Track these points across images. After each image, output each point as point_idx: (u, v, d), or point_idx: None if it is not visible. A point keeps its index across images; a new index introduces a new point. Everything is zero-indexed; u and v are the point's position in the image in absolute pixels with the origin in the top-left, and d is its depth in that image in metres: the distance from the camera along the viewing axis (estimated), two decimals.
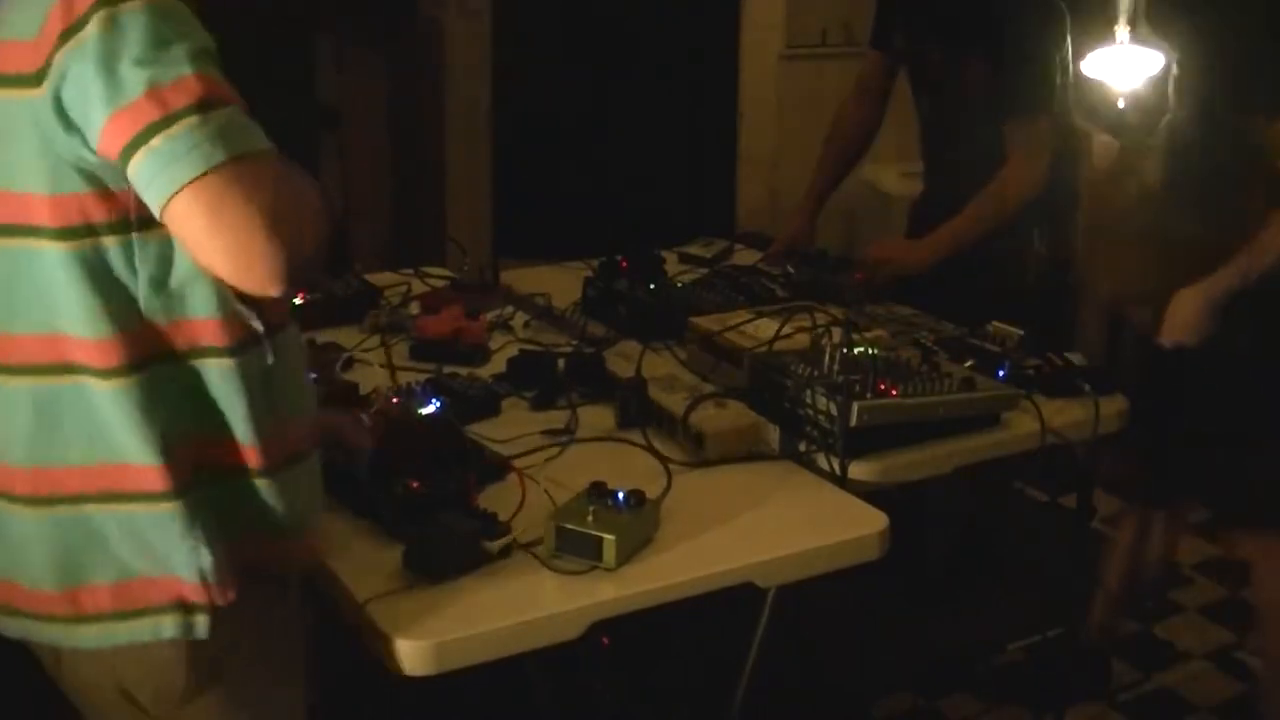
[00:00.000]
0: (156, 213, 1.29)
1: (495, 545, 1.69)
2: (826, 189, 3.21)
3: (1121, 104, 3.22)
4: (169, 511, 1.38)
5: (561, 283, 2.79)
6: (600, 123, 4.53)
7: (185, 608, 1.41)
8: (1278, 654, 2.79)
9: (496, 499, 1.80)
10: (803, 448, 2.04)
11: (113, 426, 1.36)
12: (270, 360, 1.41)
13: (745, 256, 3.12)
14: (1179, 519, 2.82)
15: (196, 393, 1.39)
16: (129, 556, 1.40)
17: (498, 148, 4.45)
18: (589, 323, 2.57)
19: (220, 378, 1.39)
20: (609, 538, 1.66)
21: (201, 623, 1.41)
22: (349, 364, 2.34)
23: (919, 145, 3.13)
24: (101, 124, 1.28)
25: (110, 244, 1.34)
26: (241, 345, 1.39)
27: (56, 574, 1.42)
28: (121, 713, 1.47)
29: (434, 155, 4.36)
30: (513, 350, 2.38)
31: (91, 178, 1.33)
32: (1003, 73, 2.80)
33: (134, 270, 1.35)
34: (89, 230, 1.34)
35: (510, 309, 2.65)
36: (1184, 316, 2.42)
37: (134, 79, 1.27)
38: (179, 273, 1.36)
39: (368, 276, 2.71)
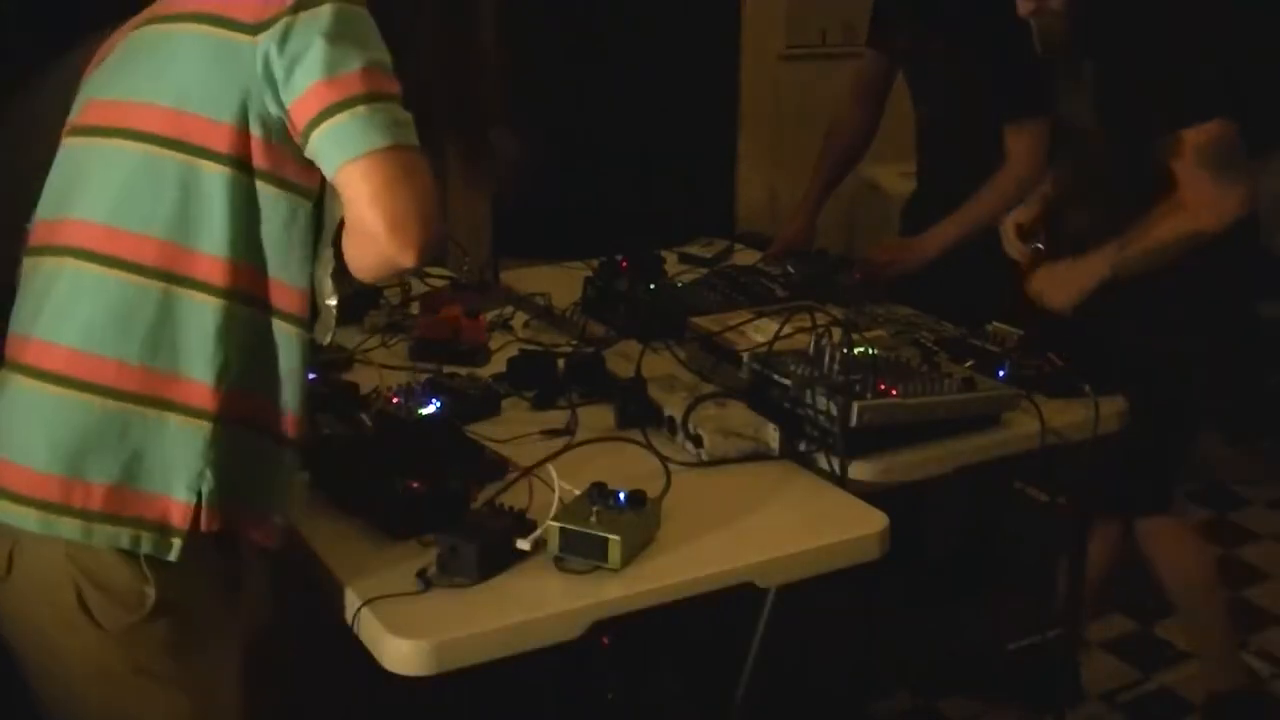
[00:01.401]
0: (333, 166, 1.44)
1: (528, 542, 1.69)
2: (825, 189, 3.21)
3: None
4: (200, 429, 1.49)
5: (561, 283, 2.79)
6: (600, 123, 4.53)
7: (165, 529, 1.49)
8: (1203, 635, 2.80)
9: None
10: (803, 448, 2.04)
11: (191, 339, 1.49)
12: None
13: (745, 256, 3.11)
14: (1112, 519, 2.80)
15: (265, 348, 1.53)
16: (136, 462, 1.48)
17: None
18: (589, 323, 2.57)
19: (288, 344, 1.54)
20: (614, 538, 1.66)
21: (176, 545, 1.49)
22: (349, 364, 2.34)
23: (915, 144, 3.13)
24: (307, 86, 1.44)
25: (259, 186, 1.50)
26: (309, 323, 1.56)
27: (59, 458, 1.47)
28: (61, 626, 1.50)
29: (433, 156, 4.36)
30: (513, 350, 2.38)
31: (261, 125, 1.48)
32: (1003, 74, 2.80)
33: (263, 218, 1.51)
34: (247, 166, 1.49)
35: (510, 309, 2.65)
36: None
37: (354, 56, 1.45)
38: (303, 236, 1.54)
39: None
